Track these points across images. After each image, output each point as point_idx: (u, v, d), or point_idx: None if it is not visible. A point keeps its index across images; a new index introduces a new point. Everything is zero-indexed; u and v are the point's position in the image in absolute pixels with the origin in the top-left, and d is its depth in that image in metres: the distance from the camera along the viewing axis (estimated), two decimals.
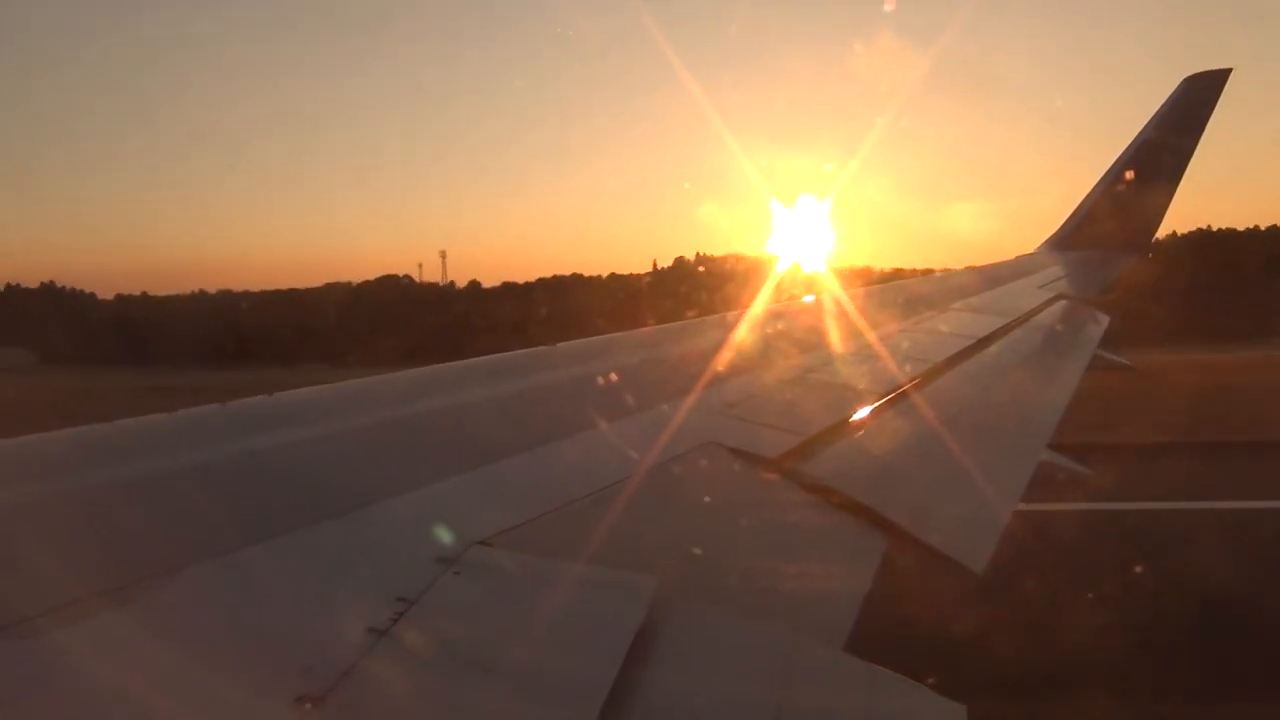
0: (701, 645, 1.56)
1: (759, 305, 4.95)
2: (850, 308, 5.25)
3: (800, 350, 3.93)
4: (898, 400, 3.50)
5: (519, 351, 3.24)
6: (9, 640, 1.19)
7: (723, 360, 3.43)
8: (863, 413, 3.25)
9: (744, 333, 4.16)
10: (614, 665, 1.34)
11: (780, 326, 4.47)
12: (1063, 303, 7.00)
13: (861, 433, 3.11)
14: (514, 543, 1.72)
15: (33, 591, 1.30)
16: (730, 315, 4.56)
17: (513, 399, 2.73)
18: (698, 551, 1.98)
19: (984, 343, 4.94)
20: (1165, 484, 11.48)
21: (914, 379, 3.83)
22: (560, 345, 3.33)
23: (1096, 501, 10.02)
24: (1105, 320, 6.90)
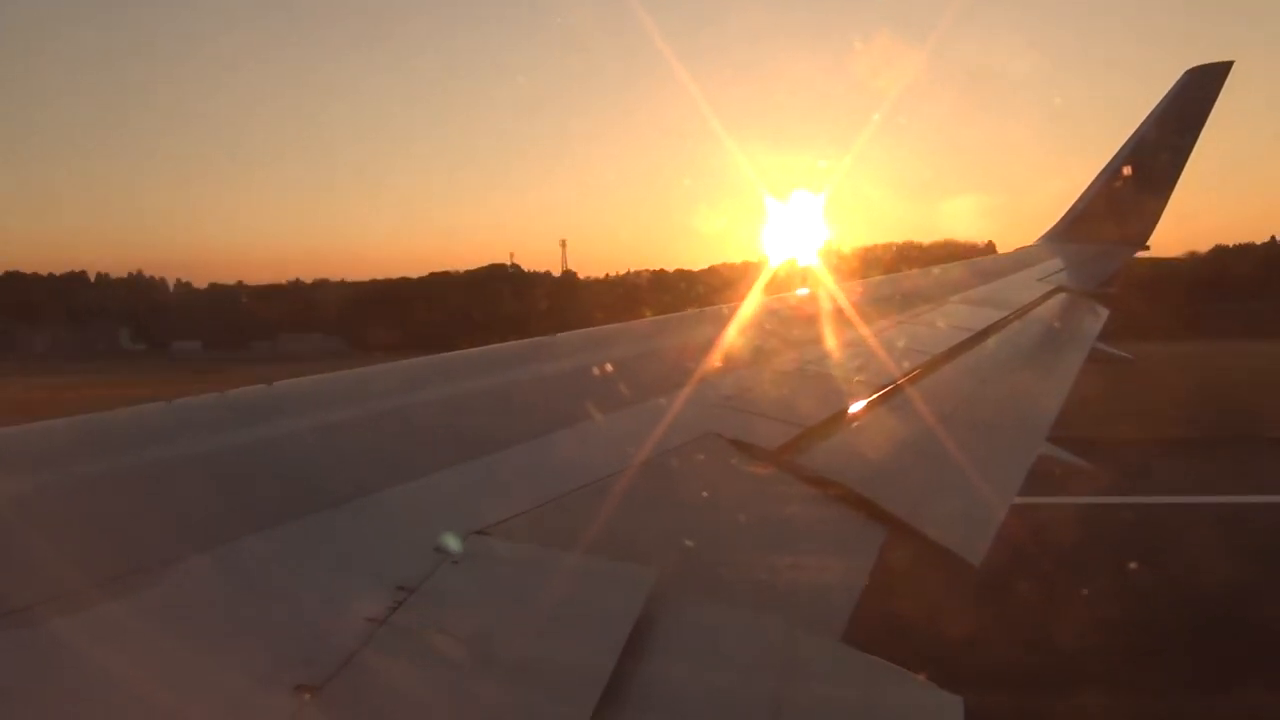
0: (700, 636, 1.56)
1: (758, 298, 4.95)
2: (849, 301, 5.25)
3: (799, 342, 3.92)
4: (896, 393, 3.50)
5: (518, 341, 3.23)
6: (6, 630, 1.19)
7: (722, 352, 3.43)
8: (861, 405, 3.25)
9: (743, 325, 4.16)
10: (612, 655, 1.34)
11: (779, 319, 4.46)
12: (1061, 295, 6.99)
13: (860, 425, 3.11)
14: (513, 533, 1.72)
15: (30, 581, 1.30)
16: (730, 307, 4.55)
17: (512, 389, 2.73)
18: (696, 543, 1.99)
19: (982, 335, 4.93)
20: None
21: (913, 371, 3.83)
22: (559, 335, 3.32)
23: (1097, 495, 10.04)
24: (1104, 313, 6.89)
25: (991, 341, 4.92)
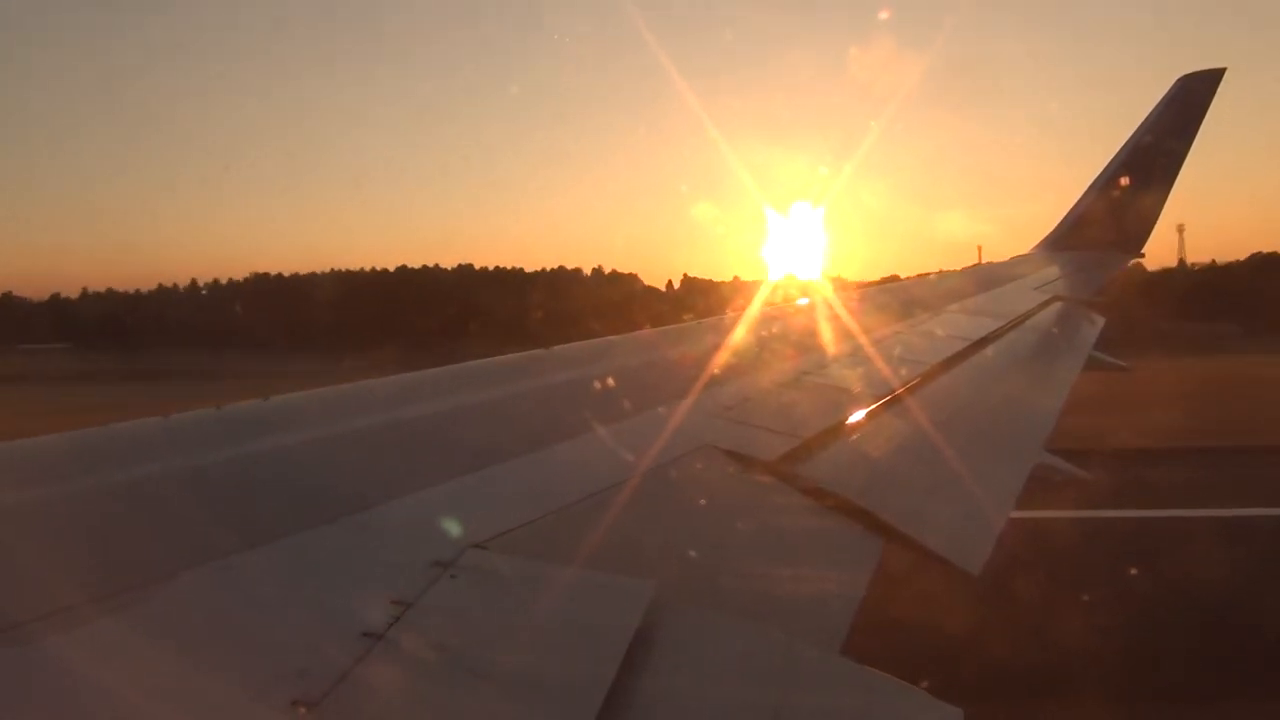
0: (698, 649, 1.56)
1: (755, 309, 4.95)
2: (847, 310, 5.25)
3: (796, 353, 3.93)
4: (894, 403, 3.50)
5: (516, 354, 3.24)
6: (2, 646, 1.19)
7: (719, 363, 3.43)
8: (859, 415, 3.25)
9: (740, 336, 4.16)
10: (610, 669, 1.33)
11: (776, 330, 4.47)
12: (1058, 304, 7.00)
13: (858, 435, 3.10)
14: (510, 546, 1.72)
15: (26, 597, 1.30)
16: (727, 318, 4.56)
17: (510, 402, 2.73)
18: (694, 555, 1.98)
19: (980, 345, 4.94)
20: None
21: (910, 381, 3.83)
22: (557, 348, 3.32)
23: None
24: (1101, 321, 6.89)
25: (989, 351, 4.93)
